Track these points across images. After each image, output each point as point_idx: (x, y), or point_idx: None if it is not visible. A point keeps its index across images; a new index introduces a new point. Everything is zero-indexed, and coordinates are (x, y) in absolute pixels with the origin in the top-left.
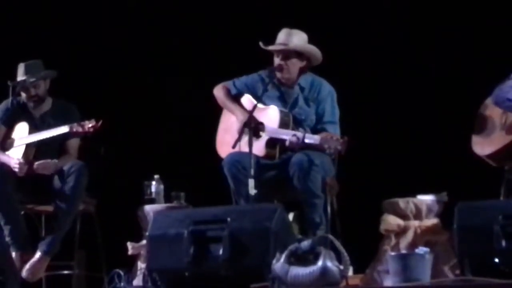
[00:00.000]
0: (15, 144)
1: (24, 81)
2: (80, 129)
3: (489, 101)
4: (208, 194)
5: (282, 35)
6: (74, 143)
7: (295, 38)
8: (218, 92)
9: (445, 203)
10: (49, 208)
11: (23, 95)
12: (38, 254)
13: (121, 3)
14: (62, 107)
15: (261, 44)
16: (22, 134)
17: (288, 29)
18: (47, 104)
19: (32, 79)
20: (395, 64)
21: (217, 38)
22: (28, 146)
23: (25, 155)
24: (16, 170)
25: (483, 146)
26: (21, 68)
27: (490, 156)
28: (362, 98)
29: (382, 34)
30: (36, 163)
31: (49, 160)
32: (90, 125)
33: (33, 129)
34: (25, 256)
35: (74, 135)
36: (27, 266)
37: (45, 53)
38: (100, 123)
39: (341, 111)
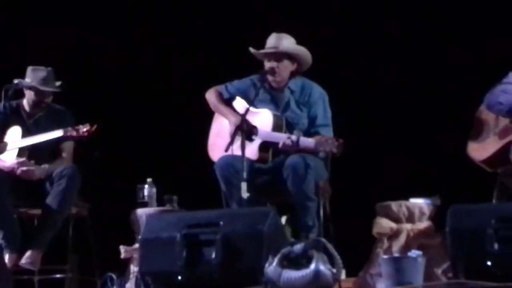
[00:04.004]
0: (8, 148)
1: (17, 84)
2: (74, 133)
3: (483, 106)
4: (201, 197)
5: (272, 40)
6: (68, 146)
7: (285, 41)
8: (211, 96)
9: (438, 206)
10: None
11: (30, 97)
12: (28, 252)
13: (112, 8)
14: (57, 112)
15: (251, 49)
16: (15, 138)
17: (277, 33)
18: (42, 109)
19: (52, 89)
20: (388, 67)
21: (209, 43)
22: (21, 150)
23: (18, 158)
24: (18, 171)
25: (477, 151)
26: (40, 72)
27: (484, 161)
28: (354, 101)
29: (373, 37)
30: (20, 169)
31: (33, 168)
32: (84, 129)
33: (26, 133)
34: (18, 259)
35: (68, 139)
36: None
37: (38, 57)
38: (94, 127)
39: (333, 114)
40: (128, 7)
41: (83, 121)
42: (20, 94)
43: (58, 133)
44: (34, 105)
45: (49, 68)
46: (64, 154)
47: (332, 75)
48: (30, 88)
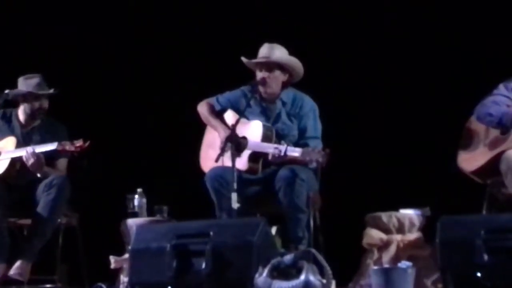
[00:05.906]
0: (1, 157)
1: (7, 94)
2: (67, 147)
3: (474, 117)
4: (191, 208)
5: (264, 49)
6: (62, 161)
7: (277, 51)
8: (202, 108)
9: (428, 217)
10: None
11: (27, 106)
12: (17, 262)
13: (100, 19)
14: (51, 125)
15: (243, 59)
16: (8, 147)
17: (269, 43)
18: (39, 117)
19: (48, 92)
20: (377, 79)
21: (201, 53)
22: (14, 160)
23: (10, 168)
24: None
25: (468, 163)
26: (33, 80)
27: (474, 172)
28: (344, 113)
29: (364, 50)
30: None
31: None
32: (77, 145)
33: (20, 144)
34: (7, 269)
35: (61, 153)
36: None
37: (26, 70)
38: (87, 143)
39: (323, 126)
40: (119, 13)
41: (73, 131)
42: (11, 105)
43: (52, 146)
44: (32, 113)
45: (40, 75)
46: (58, 167)
47: (322, 86)
48: (25, 96)
